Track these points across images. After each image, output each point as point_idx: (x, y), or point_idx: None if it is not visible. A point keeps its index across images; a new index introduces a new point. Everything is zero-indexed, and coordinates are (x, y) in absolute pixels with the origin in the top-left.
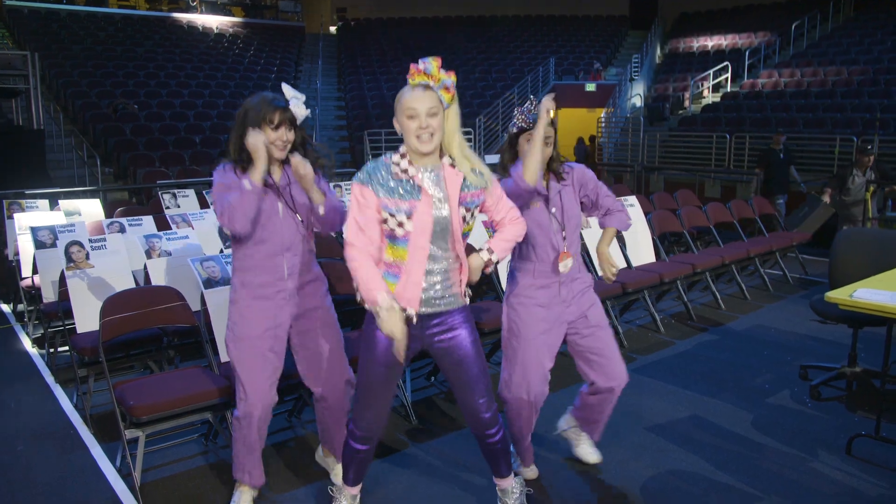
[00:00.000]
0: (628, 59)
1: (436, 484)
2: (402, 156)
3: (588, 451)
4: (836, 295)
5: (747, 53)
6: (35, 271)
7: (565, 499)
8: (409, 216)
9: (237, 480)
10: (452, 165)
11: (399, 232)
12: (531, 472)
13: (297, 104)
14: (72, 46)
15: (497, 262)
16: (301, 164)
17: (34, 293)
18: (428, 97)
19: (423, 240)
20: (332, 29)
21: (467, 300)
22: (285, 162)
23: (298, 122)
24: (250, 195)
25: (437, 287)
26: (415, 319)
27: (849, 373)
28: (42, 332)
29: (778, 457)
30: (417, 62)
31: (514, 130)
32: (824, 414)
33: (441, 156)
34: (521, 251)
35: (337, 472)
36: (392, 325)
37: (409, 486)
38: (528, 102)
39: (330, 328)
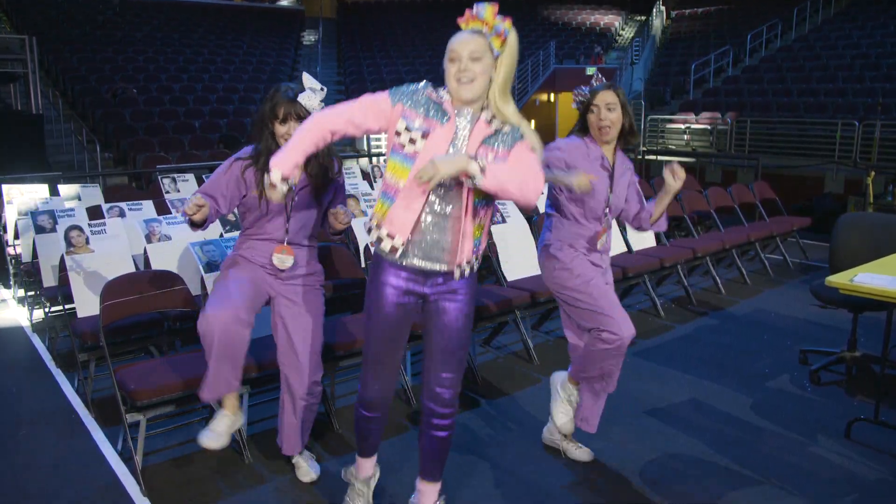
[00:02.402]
0: (629, 43)
1: None
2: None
3: (580, 452)
4: (837, 279)
5: (749, 38)
6: (35, 255)
7: (565, 482)
8: (424, 135)
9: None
10: (489, 122)
11: (409, 149)
12: (583, 452)
13: (311, 96)
14: (70, 31)
15: (475, 180)
16: (342, 214)
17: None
18: (474, 41)
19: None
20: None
21: (469, 270)
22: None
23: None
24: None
25: (445, 246)
26: (400, 249)
27: (848, 357)
28: (23, 297)
29: (777, 440)
30: (472, 7)
31: (578, 108)
32: (824, 398)
33: (484, 109)
34: (567, 212)
35: (301, 466)
36: (271, 194)
37: (410, 470)
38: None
39: (312, 318)
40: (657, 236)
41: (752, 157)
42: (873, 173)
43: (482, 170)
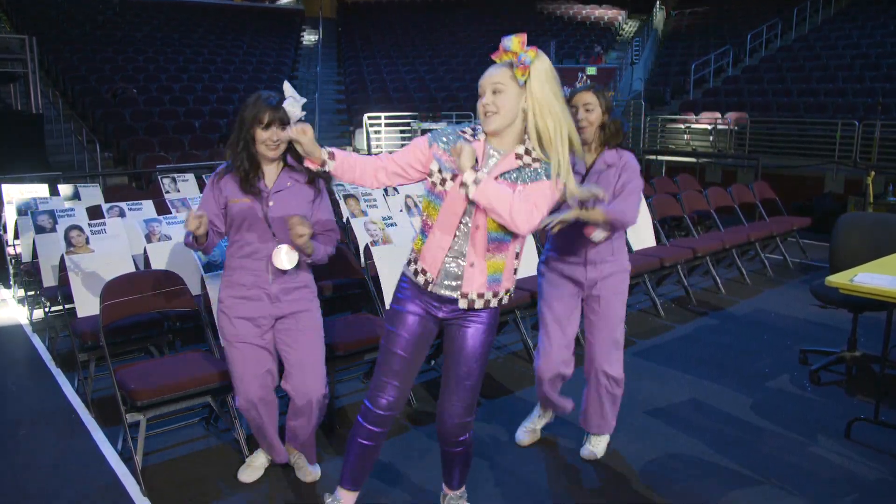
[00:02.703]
0: (629, 43)
1: (433, 467)
2: (474, 130)
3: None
4: (837, 279)
5: (749, 37)
6: (35, 255)
7: (564, 482)
8: (453, 177)
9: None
10: (519, 156)
11: (438, 189)
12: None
13: (293, 104)
14: (70, 30)
15: (468, 190)
16: (299, 225)
17: (33, 277)
18: (498, 73)
19: (457, 206)
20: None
21: (477, 303)
22: (284, 162)
23: (292, 124)
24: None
25: (453, 274)
26: (430, 287)
27: (848, 357)
28: (23, 297)
29: (777, 440)
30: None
31: None
32: (824, 398)
33: (522, 142)
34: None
35: (302, 467)
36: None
37: (406, 470)
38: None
39: (311, 332)
40: (657, 236)
41: (752, 157)
42: (873, 173)
43: (475, 182)
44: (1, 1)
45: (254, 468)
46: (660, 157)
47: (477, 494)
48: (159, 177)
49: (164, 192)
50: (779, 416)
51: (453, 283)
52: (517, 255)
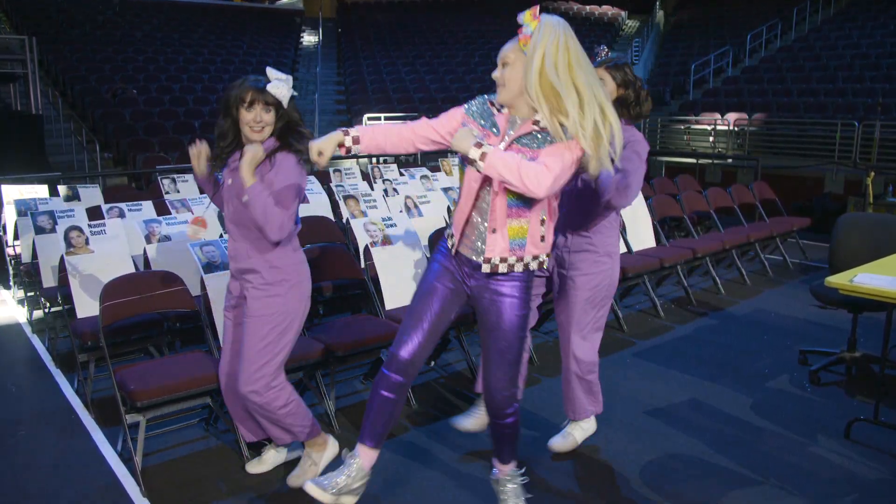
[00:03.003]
0: (629, 44)
1: (433, 468)
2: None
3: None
4: (837, 280)
5: (749, 38)
6: (35, 256)
7: (564, 481)
8: (478, 145)
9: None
10: (535, 122)
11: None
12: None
13: (280, 85)
14: (70, 31)
15: (476, 165)
16: (249, 150)
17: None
18: (510, 46)
19: (478, 174)
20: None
21: (500, 268)
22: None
23: (285, 104)
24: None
25: (479, 237)
26: (453, 249)
27: (848, 358)
28: (23, 297)
29: (777, 441)
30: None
31: None
32: (823, 398)
33: (537, 111)
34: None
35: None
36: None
37: (406, 471)
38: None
39: (255, 322)
40: (657, 237)
41: (752, 158)
42: (873, 173)
43: (482, 156)
44: (1, 1)
45: (263, 462)
46: (659, 158)
47: (476, 495)
48: (159, 177)
49: (163, 192)
50: (779, 417)
51: (478, 247)
52: (542, 222)
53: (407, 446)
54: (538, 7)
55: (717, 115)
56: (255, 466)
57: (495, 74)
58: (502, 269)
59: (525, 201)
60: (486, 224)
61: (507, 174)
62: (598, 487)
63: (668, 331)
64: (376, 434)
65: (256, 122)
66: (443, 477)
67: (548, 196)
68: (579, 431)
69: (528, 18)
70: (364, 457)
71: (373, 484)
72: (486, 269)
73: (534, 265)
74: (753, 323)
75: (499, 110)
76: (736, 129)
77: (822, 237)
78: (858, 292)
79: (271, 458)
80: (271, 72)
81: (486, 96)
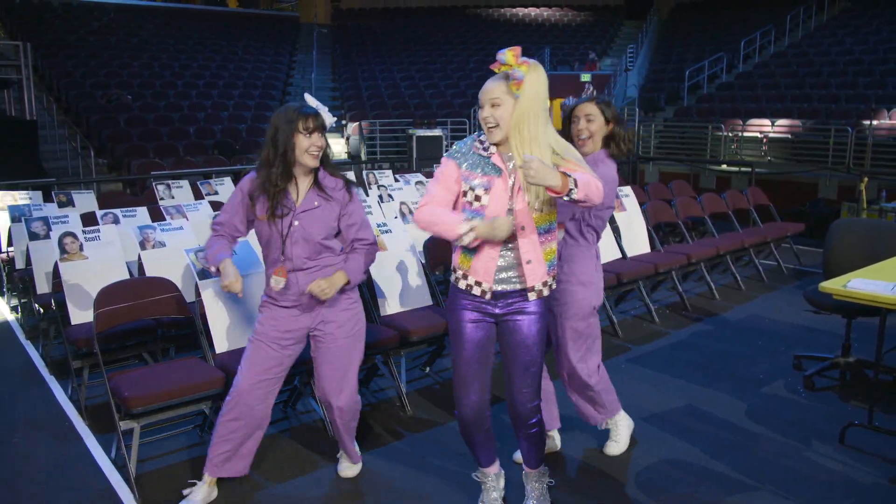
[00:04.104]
0: (623, 50)
1: (429, 474)
2: (482, 141)
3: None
4: (830, 285)
5: (742, 44)
6: (29, 262)
7: (560, 487)
8: (486, 190)
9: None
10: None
11: (476, 205)
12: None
13: (325, 112)
14: (65, 36)
15: (572, 193)
16: (317, 289)
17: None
18: (496, 87)
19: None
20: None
21: (545, 291)
22: (315, 178)
23: (327, 128)
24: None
25: (510, 268)
26: (488, 295)
27: (842, 363)
28: (17, 304)
29: (772, 446)
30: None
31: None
32: (818, 403)
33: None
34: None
35: (345, 468)
36: (496, 230)
37: (402, 477)
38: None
39: (347, 340)
40: (651, 242)
41: (746, 163)
42: (866, 179)
43: (575, 183)
44: None
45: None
46: (654, 164)
47: (473, 497)
48: (154, 183)
49: (158, 198)
50: (773, 422)
51: (511, 276)
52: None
53: (402, 453)
54: (520, 49)
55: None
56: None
57: (485, 115)
58: (545, 292)
59: (552, 222)
60: (514, 258)
61: (594, 192)
62: (594, 493)
63: (663, 336)
64: (485, 457)
65: (317, 146)
66: (439, 482)
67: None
68: (616, 431)
69: (514, 60)
70: (489, 469)
71: (368, 492)
72: (532, 296)
73: (553, 285)
74: (748, 328)
75: (486, 149)
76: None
77: (816, 242)
78: (852, 297)
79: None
80: (311, 99)
81: (467, 142)
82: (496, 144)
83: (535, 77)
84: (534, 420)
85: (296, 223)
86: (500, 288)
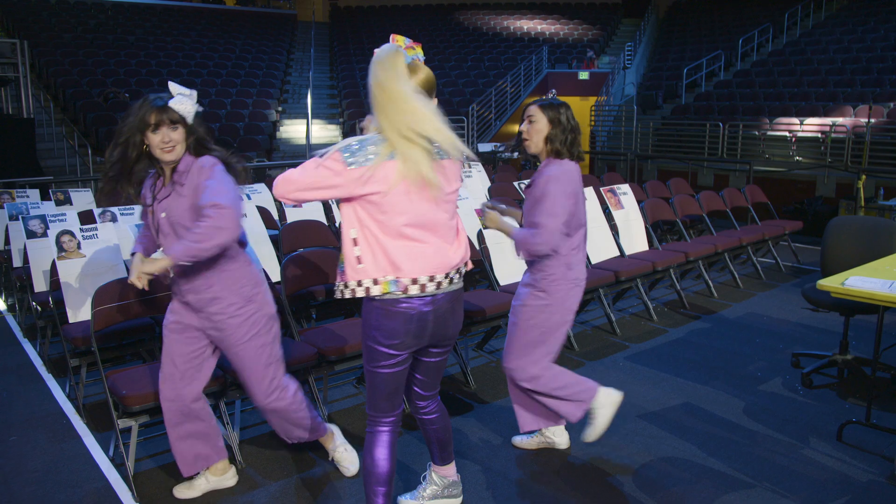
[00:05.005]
0: (621, 48)
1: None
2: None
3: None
4: (828, 283)
5: (740, 42)
6: (26, 261)
7: (557, 485)
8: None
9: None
10: None
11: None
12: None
13: (183, 101)
14: (62, 34)
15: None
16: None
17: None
18: None
19: None
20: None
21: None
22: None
23: (189, 120)
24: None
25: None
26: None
27: (840, 360)
28: (14, 302)
29: (770, 443)
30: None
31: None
32: (816, 401)
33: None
34: None
35: (340, 461)
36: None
37: (399, 474)
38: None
39: (242, 347)
40: (649, 240)
41: (744, 161)
42: (864, 177)
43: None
44: None
45: (193, 488)
46: (652, 161)
47: (469, 498)
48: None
49: None
50: (771, 419)
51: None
52: (355, 242)
53: (400, 450)
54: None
55: (709, 119)
56: (184, 491)
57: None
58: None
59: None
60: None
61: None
62: (591, 491)
63: (661, 334)
64: (441, 456)
65: (165, 142)
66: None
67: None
68: (554, 436)
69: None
70: (439, 472)
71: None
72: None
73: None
74: (746, 326)
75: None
76: (728, 132)
77: (814, 240)
78: (850, 295)
79: (202, 485)
80: (174, 86)
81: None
82: None
83: (373, 64)
84: (433, 404)
85: (162, 215)
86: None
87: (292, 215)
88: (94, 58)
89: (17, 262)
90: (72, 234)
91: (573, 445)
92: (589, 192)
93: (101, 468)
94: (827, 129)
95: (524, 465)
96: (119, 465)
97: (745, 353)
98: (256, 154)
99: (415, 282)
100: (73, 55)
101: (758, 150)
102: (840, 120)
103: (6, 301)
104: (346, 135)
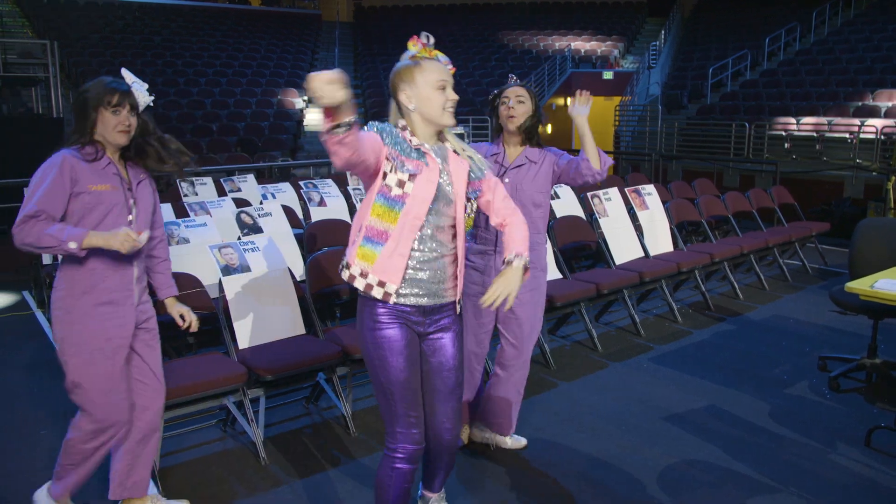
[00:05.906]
0: (646, 47)
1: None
2: (404, 128)
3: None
4: (857, 285)
5: (767, 41)
6: (55, 259)
7: (580, 486)
8: (411, 177)
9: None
10: (456, 152)
11: (396, 191)
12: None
13: (139, 90)
14: (90, 35)
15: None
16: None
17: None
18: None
19: (420, 209)
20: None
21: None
22: (127, 152)
23: (140, 110)
24: (61, 247)
25: (443, 280)
26: (394, 294)
27: (868, 364)
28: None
29: (795, 447)
30: (420, 36)
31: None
32: (843, 405)
33: (443, 139)
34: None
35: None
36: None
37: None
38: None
39: (154, 351)
40: (674, 241)
41: (770, 162)
42: (894, 178)
43: (519, 255)
44: (23, 6)
45: None
46: (677, 162)
47: (487, 498)
48: (177, 180)
49: (182, 195)
50: (797, 423)
51: (437, 289)
52: None
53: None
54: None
55: (735, 119)
56: None
57: (451, 96)
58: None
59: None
60: (440, 264)
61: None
62: (613, 493)
63: (686, 336)
64: None
65: (124, 125)
66: (454, 480)
67: None
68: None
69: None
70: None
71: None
72: (458, 308)
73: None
74: (772, 328)
75: (405, 132)
76: (754, 132)
77: (842, 242)
78: (879, 298)
79: None
80: (128, 74)
81: (391, 127)
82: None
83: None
84: (454, 447)
85: (131, 201)
86: (427, 301)
87: (317, 214)
88: (122, 58)
89: (46, 259)
90: None
91: (595, 447)
92: (613, 192)
93: None
94: (856, 129)
95: (543, 465)
96: None
97: (771, 355)
98: (281, 153)
99: None
100: (101, 55)
101: (784, 150)
102: (869, 120)
103: (36, 297)
104: None
